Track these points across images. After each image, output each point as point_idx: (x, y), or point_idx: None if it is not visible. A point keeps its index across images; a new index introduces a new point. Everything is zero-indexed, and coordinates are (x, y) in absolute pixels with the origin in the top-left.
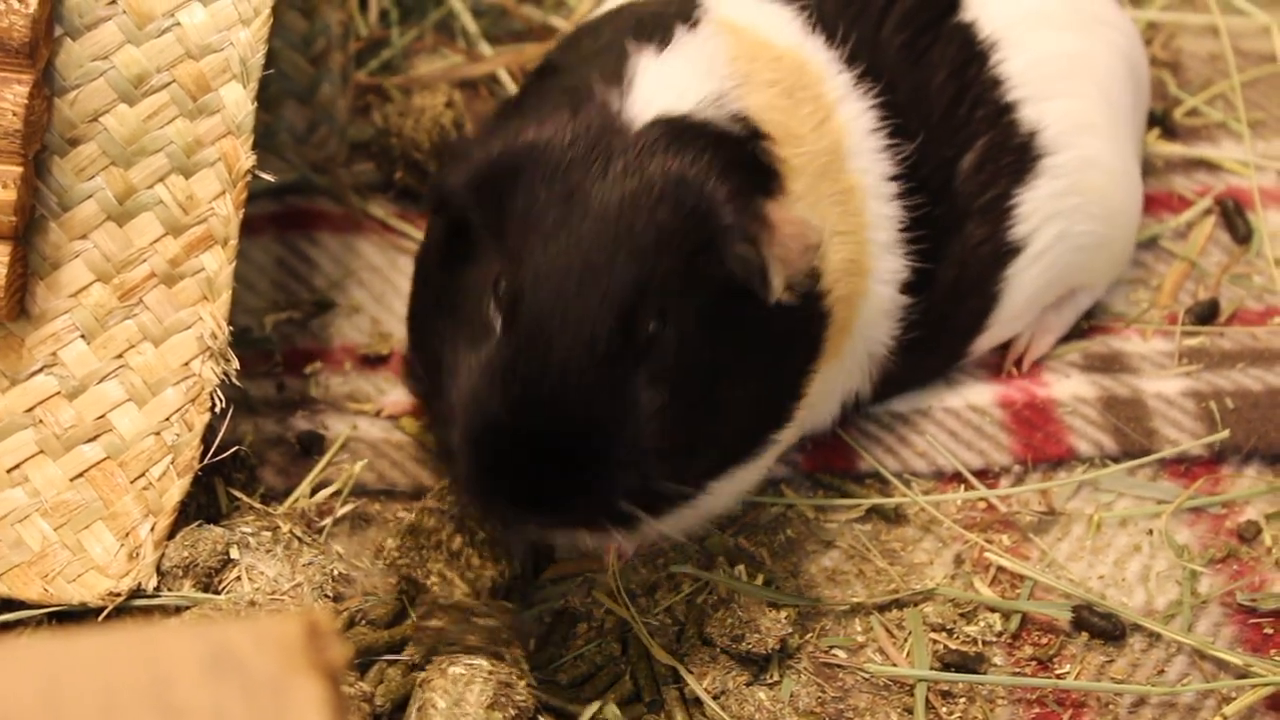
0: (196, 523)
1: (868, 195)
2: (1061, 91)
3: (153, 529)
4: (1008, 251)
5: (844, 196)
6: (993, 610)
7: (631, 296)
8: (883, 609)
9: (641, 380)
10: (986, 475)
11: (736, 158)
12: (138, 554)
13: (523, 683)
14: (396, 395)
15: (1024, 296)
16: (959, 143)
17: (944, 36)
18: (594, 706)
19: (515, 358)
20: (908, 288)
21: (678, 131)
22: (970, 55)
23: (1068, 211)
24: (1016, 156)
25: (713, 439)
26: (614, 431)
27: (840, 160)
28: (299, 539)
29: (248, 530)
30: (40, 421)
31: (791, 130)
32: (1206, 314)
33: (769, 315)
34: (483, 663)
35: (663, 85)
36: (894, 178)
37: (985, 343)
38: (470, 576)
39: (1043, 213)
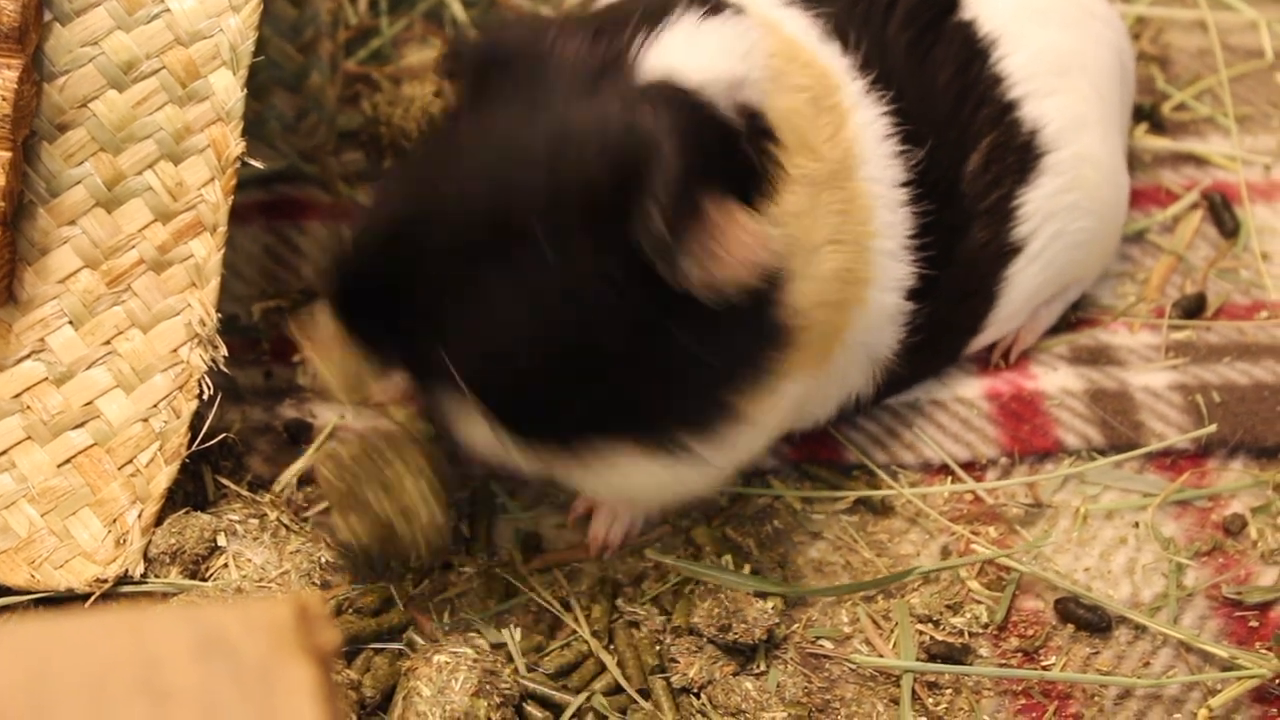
0: (184, 510)
1: (876, 203)
2: (1059, 87)
3: (140, 516)
4: (1009, 251)
5: (848, 206)
6: (979, 602)
7: (521, 199)
8: (869, 600)
9: (503, 278)
10: (973, 467)
11: (720, 146)
12: (125, 540)
13: (508, 670)
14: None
15: (1022, 296)
16: (965, 143)
17: (946, 35)
18: (581, 697)
19: (411, 191)
20: (913, 293)
21: (672, 97)
22: (972, 53)
23: (1065, 209)
24: (1019, 156)
25: (581, 393)
26: (448, 298)
27: (849, 169)
28: (286, 526)
29: (235, 518)
30: (28, 407)
31: (808, 141)
32: (1193, 308)
33: (707, 316)
34: (468, 651)
35: (687, 49)
36: (904, 184)
37: (981, 341)
38: (406, 507)
39: (1043, 212)
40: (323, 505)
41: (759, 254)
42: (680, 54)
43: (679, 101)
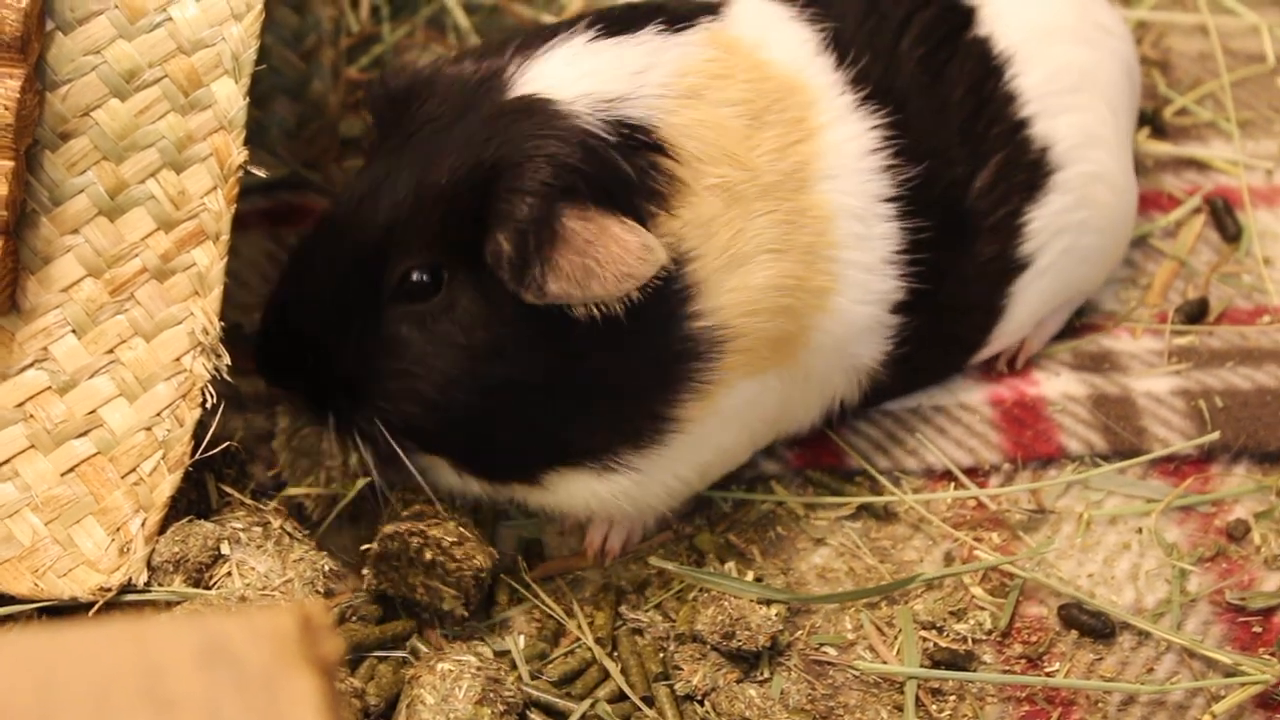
0: (187, 518)
1: (840, 216)
2: (1072, 105)
3: (143, 524)
4: (1015, 267)
5: (795, 217)
6: (983, 608)
7: (392, 235)
8: (873, 606)
9: (392, 314)
10: (976, 473)
11: (588, 159)
12: (128, 549)
13: (512, 678)
14: None
15: (1028, 310)
16: (974, 160)
17: (960, 51)
18: (585, 704)
19: (300, 252)
20: (902, 306)
21: (534, 113)
22: (986, 71)
23: (1075, 226)
24: (1029, 174)
25: (486, 413)
26: (340, 335)
27: (803, 182)
28: (290, 535)
29: (239, 526)
30: (31, 416)
31: (731, 152)
32: (1196, 313)
33: (616, 335)
34: (471, 659)
35: (561, 69)
36: (891, 199)
37: (987, 353)
38: (452, 581)
39: (1051, 228)
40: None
41: (633, 265)
42: (555, 73)
43: (538, 116)
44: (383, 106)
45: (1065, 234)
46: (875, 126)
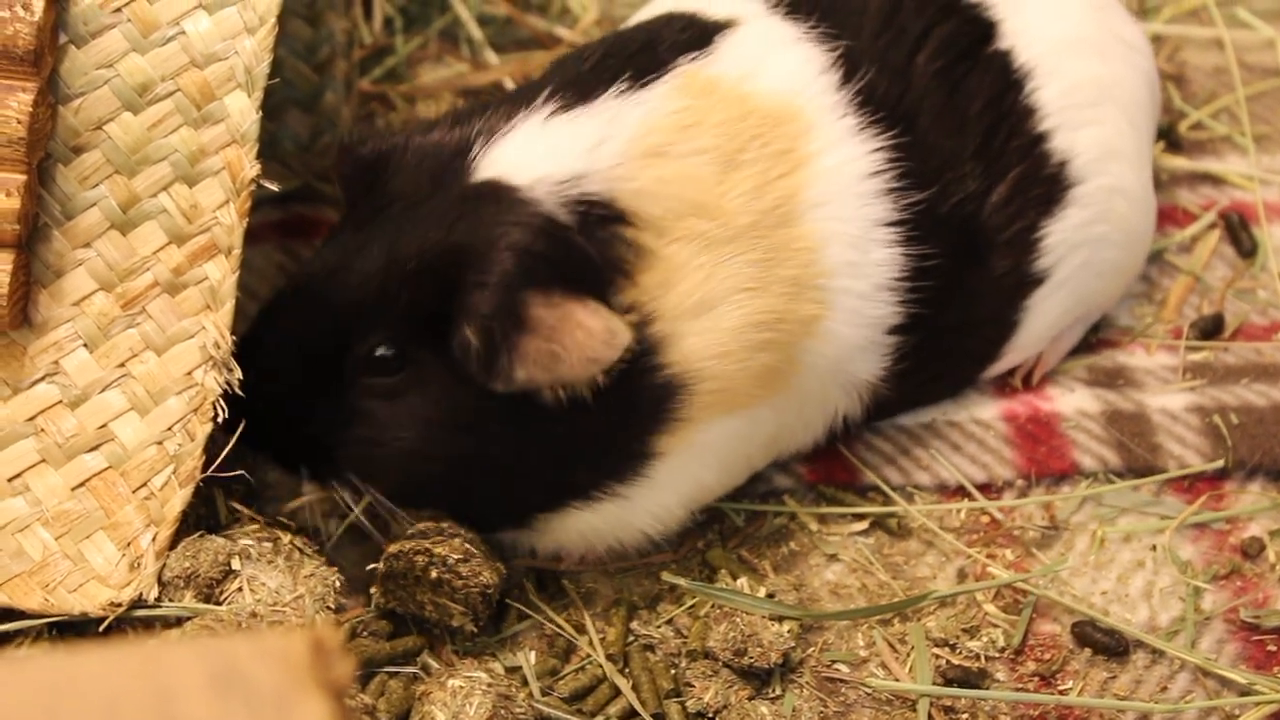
0: (198, 533)
1: (830, 244)
2: (1092, 119)
3: (154, 539)
4: (1030, 282)
5: (774, 251)
6: (996, 625)
7: (357, 313)
8: (885, 623)
9: (359, 386)
10: (990, 489)
11: (549, 244)
12: (139, 564)
13: (523, 694)
14: None
15: (1043, 324)
16: (991, 174)
17: (980, 65)
18: None
19: (270, 326)
20: (900, 328)
21: (496, 201)
22: (1007, 84)
23: (1093, 240)
24: (1046, 188)
25: (464, 476)
26: (313, 409)
27: (786, 216)
28: (300, 550)
29: (249, 541)
30: (42, 430)
31: (700, 202)
32: (1211, 329)
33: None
34: (482, 675)
35: (520, 151)
36: (893, 224)
37: (1001, 367)
38: (460, 597)
39: (1069, 243)
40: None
41: (599, 350)
42: (514, 155)
43: (501, 203)
44: (351, 174)
45: (1083, 248)
46: (878, 149)
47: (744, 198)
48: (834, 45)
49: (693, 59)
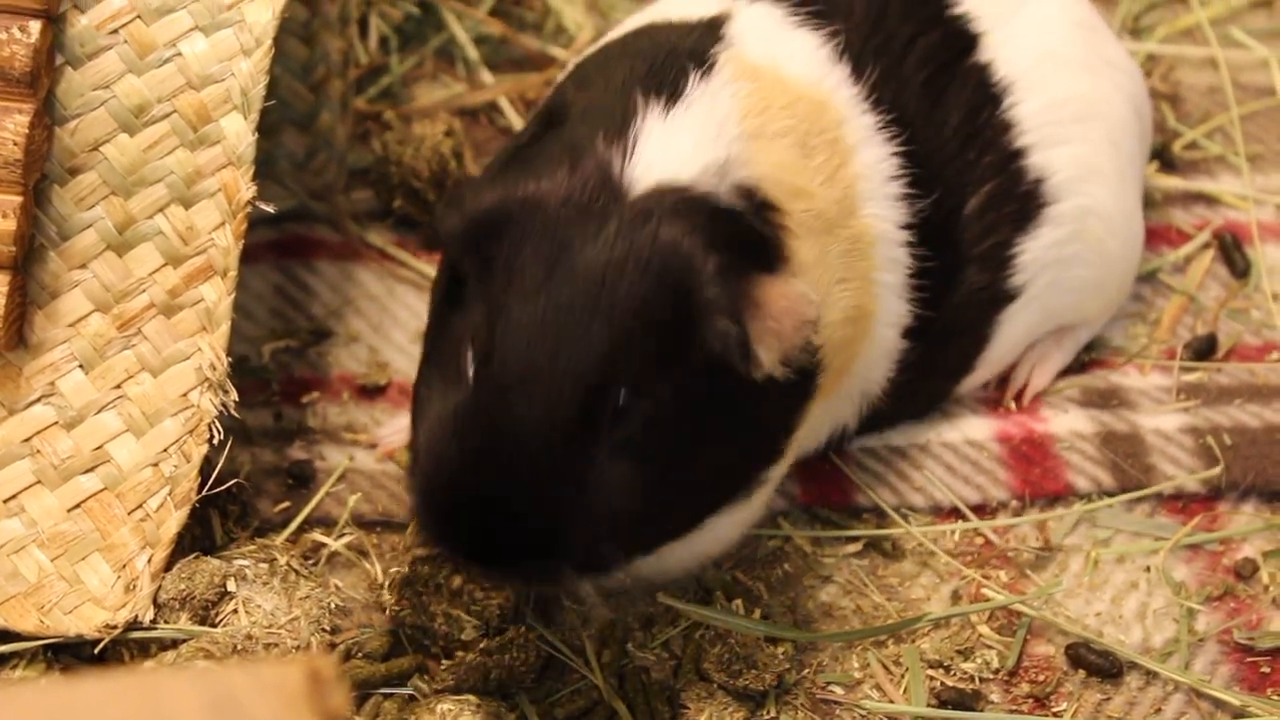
0: (193, 555)
1: (879, 240)
2: (1070, 137)
3: (150, 561)
4: (1004, 297)
5: (852, 243)
6: (990, 647)
7: (601, 367)
8: (880, 645)
9: (606, 450)
10: (984, 510)
11: (733, 231)
12: (134, 586)
13: (513, 716)
14: (390, 430)
15: (1012, 339)
16: (965, 188)
17: (960, 77)
18: None
19: (478, 414)
20: (908, 332)
21: (674, 202)
22: (985, 98)
23: (1065, 259)
24: (1020, 205)
25: (684, 503)
26: (566, 499)
27: (852, 206)
28: (296, 571)
29: (245, 563)
30: (37, 452)
31: (801, 187)
32: (1204, 349)
33: (754, 381)
34: (470, 697)
35: (666, 150)
36: (906, 225)
37: (971, 382)
38: (476, 610)
39: (1041, 261)
40: (332, 549)
41: (805, 312)
42: (661, 159)
43: (685, 206)
44: (471, 236)
45: (1054, 266)
46: (894, 153)
47: (824, 185)
48: (831, 31)
49: (725, 47)
